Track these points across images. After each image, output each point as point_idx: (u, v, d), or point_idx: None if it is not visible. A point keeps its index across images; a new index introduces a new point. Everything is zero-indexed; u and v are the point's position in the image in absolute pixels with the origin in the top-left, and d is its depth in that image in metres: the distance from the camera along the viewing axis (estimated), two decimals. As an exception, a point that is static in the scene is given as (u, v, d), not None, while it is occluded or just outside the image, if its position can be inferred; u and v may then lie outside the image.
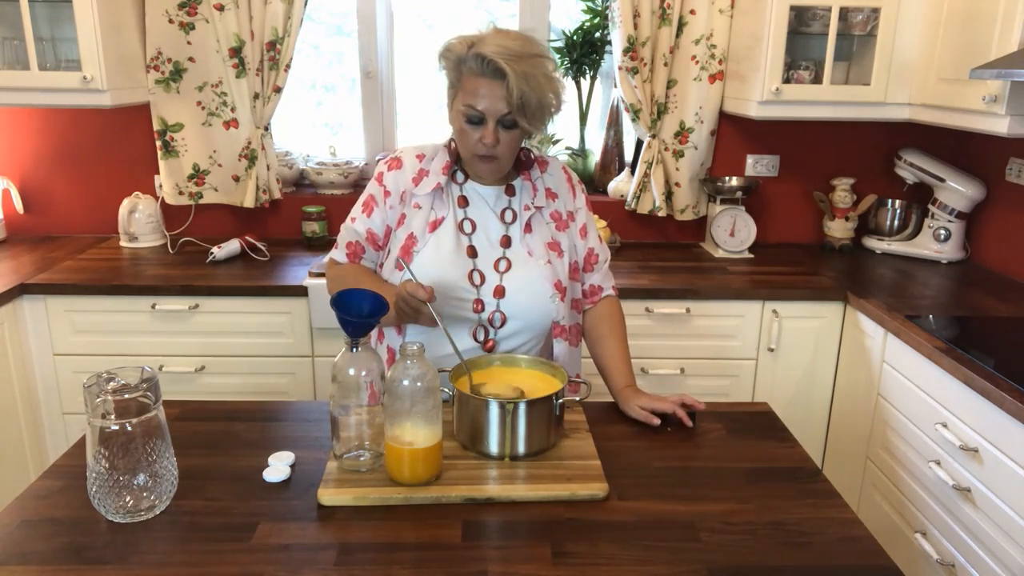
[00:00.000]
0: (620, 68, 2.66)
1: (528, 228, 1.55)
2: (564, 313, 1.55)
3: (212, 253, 2.56)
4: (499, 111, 1.39)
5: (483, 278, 1.51)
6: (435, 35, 2.94)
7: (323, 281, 2.29)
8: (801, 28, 2.53)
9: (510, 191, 1.56)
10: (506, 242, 1.54)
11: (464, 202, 1.54)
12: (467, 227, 1.53)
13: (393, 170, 1.55)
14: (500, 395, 1.30)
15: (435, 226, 1.51)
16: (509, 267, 1.52)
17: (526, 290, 1.51)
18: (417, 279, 1.37)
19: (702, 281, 2.45)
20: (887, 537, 2.09)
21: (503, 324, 1.51)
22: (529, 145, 1.58)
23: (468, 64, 1.40)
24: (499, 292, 1.50)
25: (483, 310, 1.50)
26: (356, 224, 1.57)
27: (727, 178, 2.82)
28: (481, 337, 1.51)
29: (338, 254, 1.60)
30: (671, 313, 2.40)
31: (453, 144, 1.54)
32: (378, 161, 1.74)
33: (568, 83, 2.76)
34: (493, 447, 1.29)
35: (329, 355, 2.39)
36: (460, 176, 1.55)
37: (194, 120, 2.72)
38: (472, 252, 1.52)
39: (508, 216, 1.55)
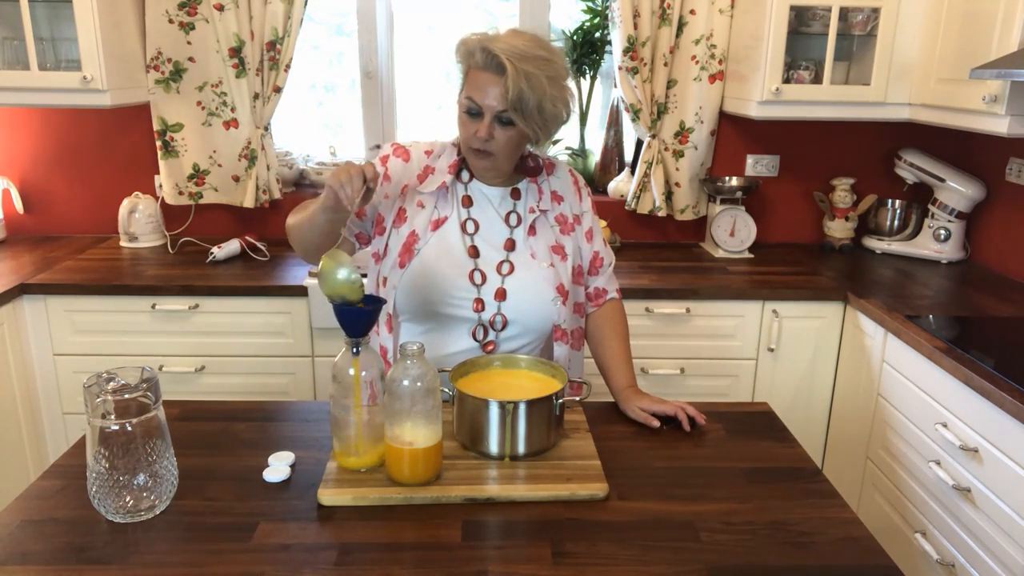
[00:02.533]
0: (620, 68, 2.66)
1: (532, 231, 1.55)
2: (565, 316, 1.55)
3: (212, 253, 2.56)
4: (496, 106, 1.40)
5: (484, 278, 1.51)
6: (435, 35, 2.94)
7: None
8: (801, 28, 2.53)
9: (515, 194, 1.56)
10: (510, 245, 1.53)
11: (468, 202, 1.54)
12: (470, 227, 1.53)
13: (398, 158, 1.55)
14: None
15: (437, 225, 1.51)
16: (512, 270, 1.52)
17: (527, 293, 1.51)
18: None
19: (702, 281, 2.45)
20: (887, 537, 2.09)
21: (504, 327, 1.51)
22: (532, 149, 1.57)
23: (475, 57, 1.41)
24: (500, 295, 1.50)
25: (483, 310, 1.50)
26: None
27: (727, 178, 2.82)
28: (481, 337, 1.51)
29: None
30: (671, 313, 2.40)
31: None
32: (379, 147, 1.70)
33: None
34: (493, 447, 1.29)
35: (329, 355, 2.39)
36: (466, 175, 1.55)
37: (194, 120, 2.72)
38: (474, 252, 1.52)
39: (513, 219, 1.55)
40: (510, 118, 1.41)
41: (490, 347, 1.51)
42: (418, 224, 1.51)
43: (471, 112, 1.43)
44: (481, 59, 1.40)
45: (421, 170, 1.54)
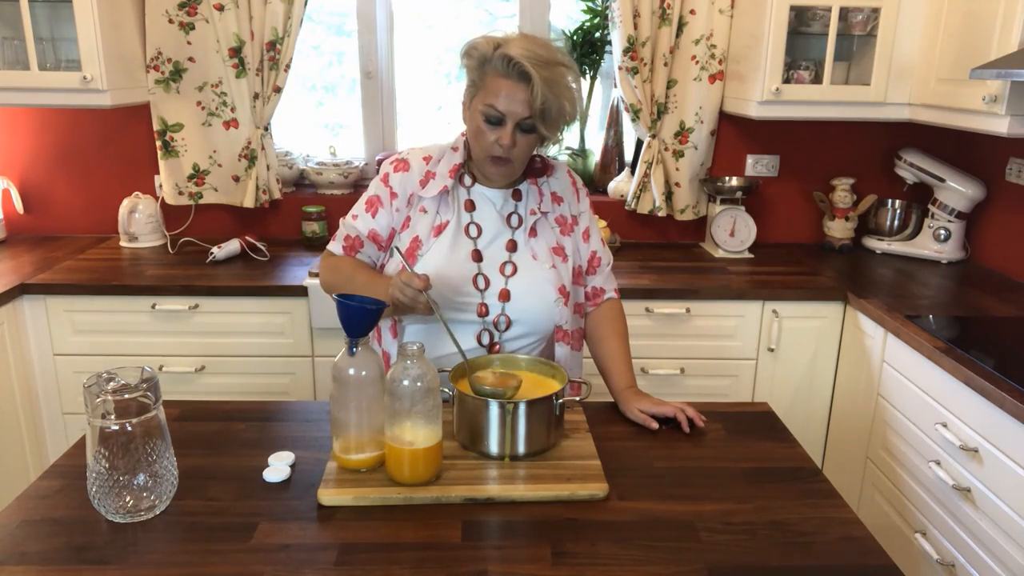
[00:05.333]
0: (620, 68, 2.66)
1: (533, 232, 1.55)
2: (567, 317, 1.55)
3: (212, 253, 2.56)
4: (520, 114, 1.39)
5: (488, 282, 1.50)
6: (435, 35, 2.94)
7: (323, 281, 2.30)
8: (801, 28, 2.53)
9: (517, 195, 1.56)
10: (512, 246, 1.53)
11: (471, 206, 1.53)
12: (473, 231, 1.53)
13: (400, 172, 1.55)
14: (502, 383, 1.31)
15: (439, 230, 1.51)
16: (514, 271, 1.52)
17: (530, 294, 1.51)
18: (412, 269, 1.37)
19: (702, 281, 2.45)
20: (887, 537, 2.09)
21: (508, 328, 1.51)
22: (539, 150, 1.57)
23: (493, 64, 1.39)
24: (504, 296, 1.50)
25: (487, 314, 1.50)
26: (358, 222, 1.57)
27: (727, 178, 2.82)
28: (486, 340, 1.51)
29: (335, 246, 1.61)
30: (671, 313, 2.40)
31: (464, 145, 1.54)
32: (379, 161, 1.73)
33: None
34: (493, 447, 1.29)
35: (329, 355, 2.39)
36: (468, 179, 1.55)
37: (194, 120, 2.72)
38: (477, 256, 1.51)
39: (514, 221, 1.55)
40: (532, 125, 1.40)
41: (496, 349, 1.51)
42: (420, 230, 1.51)
43: (491, 120, 1.41)
44: (501, 66, 1.38)
45: (423, 176, 1.54)
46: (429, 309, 1.35)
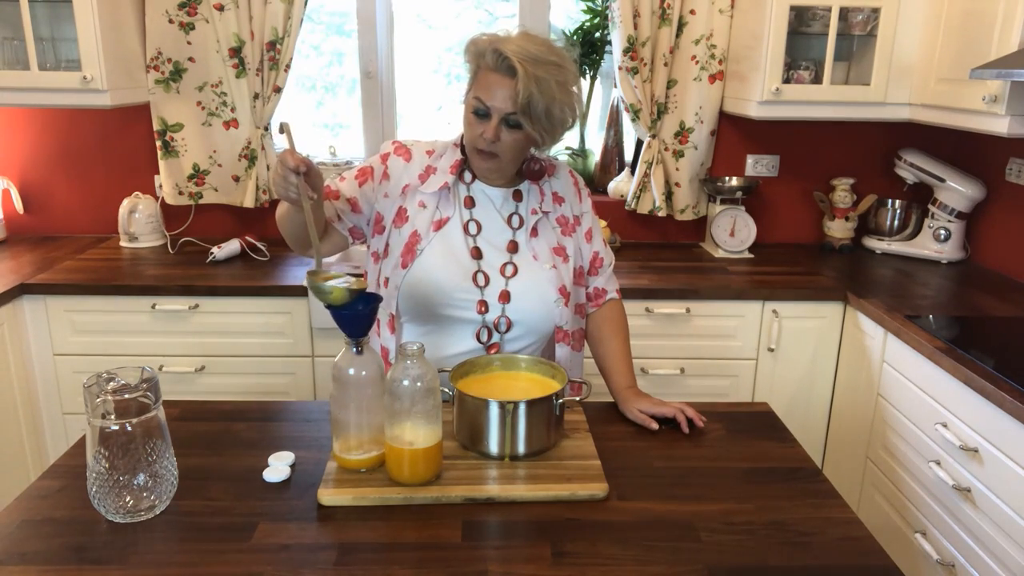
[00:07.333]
0: (620, 68, 2.66)
1: (534, 232, 1.55)
2: (568, 318, 1.55)
3: (212, 253, 2.56)
4: (504, 109, 1.39)
5: (487, 279, 1.50)
6: (435, 35, 2.94)
7: (323, 281, 2.29)
8: (801, 28, 2.53)
9: (517, 195, 1.56)
10: (512, 247, 1.53)
11: (471, 203, 1.54)
12: (472, 228, 1.53)
13: (400, 157, 1.55)
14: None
15: (440, 225, 1.51)
16: (515, 272, 1.52)
17: (531, 295, 1.51)
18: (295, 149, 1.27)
19: (702, 281, 2.45)
20: (887, 537, 2.09)
21: (508, 329, 1.51)
22: (537, 153, 1.56)
23: (486, 59, 1.40)
24: (504, 297, 1.50)
25: (487, 312, 1.50)
26: (343, 184, 1.54)
27: (727, 178, 2.82)
28: (485, 338, 1.51)
29: None
30: (671, 313, 2.40)
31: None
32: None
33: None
34: (493, 447, 1.29)
35: (329, 355, 2.39)
36: (468, 176, 1.55)
37: (194, 120, 2.72)
38: (477, 253, 1.52)
39: (515, 221, 1.55)
40: (518, 121, 1.40)
41: (494, 349, 1.51)
42: (420, 224, 1.51)
43: (479, 113, 1.42)
44: (492, 60, 1.39)
45: (423, 170, 1.54)
46: (301, 195, 1.25)
